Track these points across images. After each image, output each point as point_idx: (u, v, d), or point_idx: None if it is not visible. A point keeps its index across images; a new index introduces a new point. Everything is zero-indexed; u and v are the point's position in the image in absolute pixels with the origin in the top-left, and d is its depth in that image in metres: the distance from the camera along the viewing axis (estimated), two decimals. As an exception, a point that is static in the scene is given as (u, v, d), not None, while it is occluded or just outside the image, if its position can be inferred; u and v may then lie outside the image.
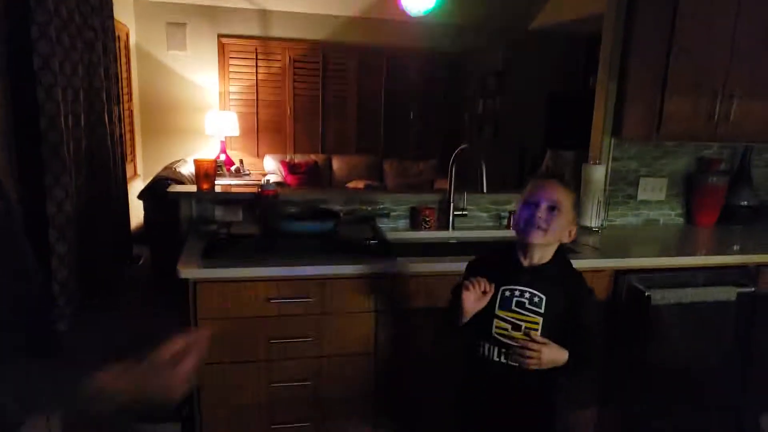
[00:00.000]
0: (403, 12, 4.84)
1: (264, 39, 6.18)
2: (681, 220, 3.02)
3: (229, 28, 6.03)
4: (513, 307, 1.53)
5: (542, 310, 1.51)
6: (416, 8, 1.54)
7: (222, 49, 6.09)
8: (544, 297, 1.52)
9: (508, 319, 1.53)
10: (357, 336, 2.08)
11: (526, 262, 1.56)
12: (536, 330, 1.50)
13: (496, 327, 1.54)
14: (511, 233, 2.65)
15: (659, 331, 2.29)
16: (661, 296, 2.24)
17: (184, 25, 5.87)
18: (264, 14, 6.10)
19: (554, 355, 1.50)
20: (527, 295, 1.53)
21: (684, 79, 2.54)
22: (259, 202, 2.38)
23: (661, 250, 2.58)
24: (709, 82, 2.56)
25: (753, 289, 2.37)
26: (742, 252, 2.46)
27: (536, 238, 1.52)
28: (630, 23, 2.74)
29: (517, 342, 1.51)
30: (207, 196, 2.45)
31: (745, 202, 2.94)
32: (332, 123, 6.66)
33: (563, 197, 1.54)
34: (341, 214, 2.47)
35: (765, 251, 2.46)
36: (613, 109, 2.84)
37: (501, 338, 1.53)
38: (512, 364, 1.52)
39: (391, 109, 6.81)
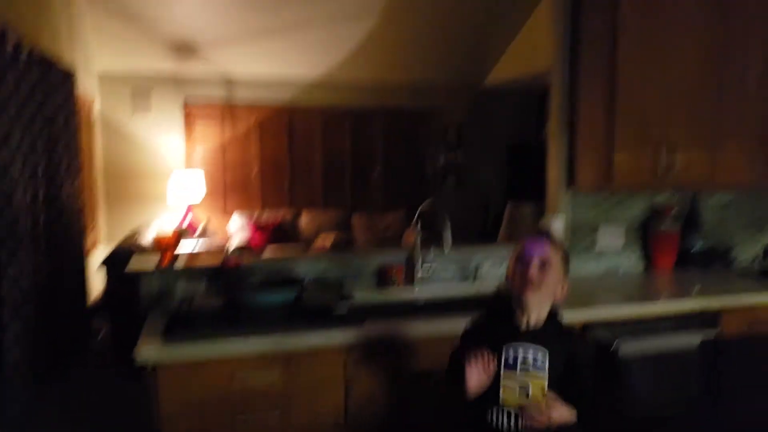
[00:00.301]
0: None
1: (229, 103, 6.28)
2: (641, 266, 3.10)
3: (195, 94, 6.11)
4: (518, 369, 1.54)
5: (546, 368, 1.52)
6: None
7: (187, 114, 6.16)
8: (547, 351, 1.53)
9: (515, 381, 1.53)
10: (327, 407, 2.05)
11: (523, 323, 1.59)
12: (543, 389, 1.51)
13: (504, 392, 1.54)
14: (479, 288, 2.73)
15: (628, 382, 2.31)
16: (628, 347, 2.28)
17: (149, 92, 5.93)
18: (229, 80, 6.21)
19: (564, 413, 1.51)
20: (531, 353, 1.55)
21: (628, 133, 2.67)
22: (222, 274, 2.37)
23: (624, 299, 2.62)
24: (651, 135, 2.69)
25: (715, 333, 2.43)
26: (701, 296, 2.53)
27: (531, 294, 1.55)
28: (575, 79, 2.88)
29: (526, 405, 1.51)
30: (167, 272, 2.42)
31: (699, 246, 3.04)
32: (299, 179, 6.73)
33: (553, 253, 1.59)
34: (306, 280, 2.47)
35: (722, 294, 2.54)
36: (566, 162, 2.95)
37: (510, 403, 1.53)
38: (522, 430, 1.52)
39: (358, 164, 6.92)
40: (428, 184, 7.08)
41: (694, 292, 2.58)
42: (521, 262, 1.59)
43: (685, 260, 3.05)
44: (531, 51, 5.53)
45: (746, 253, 3.22)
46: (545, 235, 1.64)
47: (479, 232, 6.55)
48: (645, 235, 3.07)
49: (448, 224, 2.56)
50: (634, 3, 2.59)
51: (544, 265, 1.57)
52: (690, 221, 3.08)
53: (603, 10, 2.64)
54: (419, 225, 2.70)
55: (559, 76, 2.92)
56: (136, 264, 2.47)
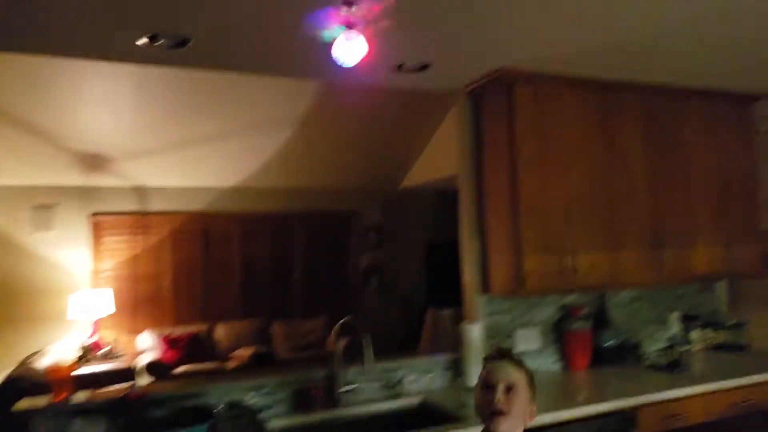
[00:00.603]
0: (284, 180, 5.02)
1: (141, 214, 6.09)
2: (558, 366, 3.16)
3: (104, 206, 5.89)
4: None
5: None
6: (347, 59, 1.63)
7: (95, 227, 5.88)
8: None
9: None
10: None
11: None
12: None
13: None
14: (403, 403, 2.66)
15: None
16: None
17: (52, 206, 5.65)
18: (140, 191, 6.06)
19: None
20: None
21: (534, 237, 2.81)
22: (125, 409, 2.17)
23: (543, 406, 2.62)
24: (555, 239, 2.84)
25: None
26: (617, 396, 2.58)
27: (501, 424, 1.49)
28: (481, 185, 3.05)
29: None
30: (62, 409, 2.19)
31: (610, 343, 3.16)
32: (215, 290, 6.49)
33: (518, 376, 1.54)
34: (220, 408, 2.30)
35: (637, 393, 2.61)
36: (480, 267, 3.04)
37: None
38: None
39: (277, 270, 6.80)
40: (350, 287, 7.03)
41: (610, 392, 2.63)
42: (486, 389, 1.54)
43: (599, 357, 3.14)
44: (444, 154, 5.83)
45: (653, 346, 3.37)
46: (506, 355, 1.60)
47: (404, 334, 6.50)
48: (559, 336, 3.16)
49: (369, 340, 2.52)
50: (527, 124, 2.82)
51: (510, 389, 1.52)
52: (600, 319, 3.21)
53: (502, 124, 2.85)
54: (339, 340, 2.64)
55: (467, 182, 3.08)
56: (25, 401, 2.22)
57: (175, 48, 2.31)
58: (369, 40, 1.92)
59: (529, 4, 2.08)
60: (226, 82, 4.57)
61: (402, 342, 6.21)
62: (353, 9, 1.47)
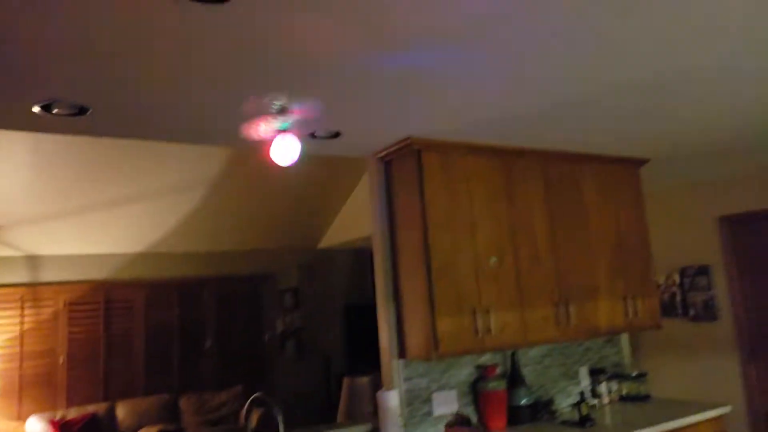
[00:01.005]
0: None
1: (32, 285, 5.61)
2: (478, 427, 3.16)
3: (-13, 279, 5.37)
4: None
5: None
6: (284, 159, 1.62)
7: (-24, 302, 5.33)
8: None
9: None
10: None
11: None
12: None
13: None
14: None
15: None
16: None
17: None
18: (33, 260, 5.61)
19: None
20: None
21: (446, 300, 2.85)
22: None
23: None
24: (466, 301, 2.91)
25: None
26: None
27: None
28: (395, 248, 3.08)
29: None
30: None
31: (525, 401, 3.21)
32: (116, 365, 6.01)
33: None
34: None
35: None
36: (396, 330, 3.03)
37: None
38: None
39: (186, 340, 6.42)
40: (266, 354, 6.76)
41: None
42: None
43: (515, 416, 3.17)
44: (361, 214, 5.88)
45: (565, 401, 3.47)
46: (465, 423, 1.57)
47: (324, 399, 6.30)
48: (476, 397, 3.17)
49: (281, 413, 2.41)
50: (435, 188, 2.91)
51: None
52: (514, 378, 3.27)
53: (412, 188, 2.93)
54: (252, 414, 2.50)
55: (381, 246, 3.11)
56: None
57: (73, 116, 2.21)
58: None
59: (431, 81, 2.18)
60: (132, 145, 4.41)
61: (322, 409, 6.00)
62: (288, 116, 1.51)
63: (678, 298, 4.83)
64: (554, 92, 2.43)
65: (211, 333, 6.57)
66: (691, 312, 4.74)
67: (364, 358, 6.40)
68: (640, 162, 3.78)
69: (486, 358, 3.29)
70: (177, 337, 6.36)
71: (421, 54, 1.94)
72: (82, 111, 2.16)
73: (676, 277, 4.85)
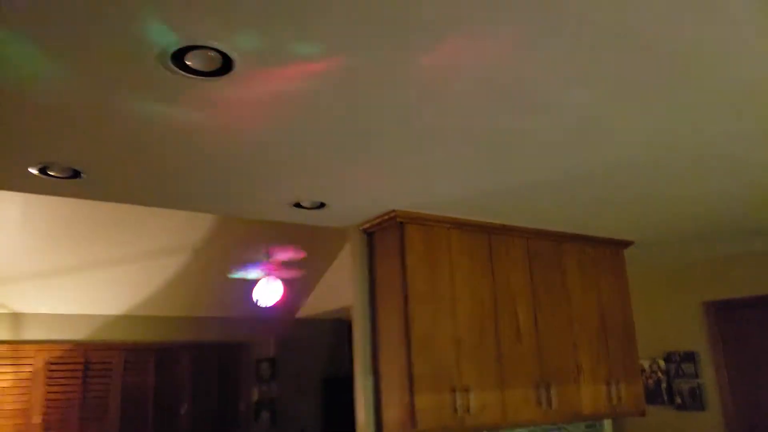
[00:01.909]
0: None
1: (13, 342, 5.54)
2: None
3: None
4: None
5: None
6: (266, 301, 1.66)
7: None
8: None
9: None
10: None
11: None
12: None
13: None
14: None
15: None
16: None
17: None
18: (15, 317, 5.57)
19: None
20: None
21: (426, 376, 2.83)
22: None
23: None
24: (446, 378, 2.88)
25: None
26: None
27: None
28: (375, 321, 3.08)
29: None
30: None
31: (503, 486, 3.11)
32: (90, 426, 5.83)
33: None
34: None
35: None
36: (373, 405, 2.98)
37: None
38: None
39: (161, 405, 6.26)
40: (241, 422, 6.57)
41: None
42: None
43: (492, 502, 3.07)
44: (341, 285, 5.88)
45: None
46: None
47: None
48: (453, 479, 3.08)
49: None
50: (417, 261, 2.96)
51: None
52: (492, 460, 3.18)
53: (394, 261, 2.97)
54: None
55: (360, 318, 3.11)
56: None
57: (67, 179, 2.29)
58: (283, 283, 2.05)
59: (414, 159, 2.28)
60: (118, 208, 4.48)
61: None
62: (272, 259, 1.62)
63: (663, 384, 4.75)
64: (537, 173, 2.51)
65: (187, 399, 6.42)
66: (678, 400, 4.66)
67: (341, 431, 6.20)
68: (625, 244, 3.84)
69: (465, 439, 3.22)
70: (152, 401, 6.21)
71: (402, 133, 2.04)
72: (75, 174, 2.24)
73: (662, 363, 4.79)
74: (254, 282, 1.81)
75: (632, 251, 4.02)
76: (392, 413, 2.90)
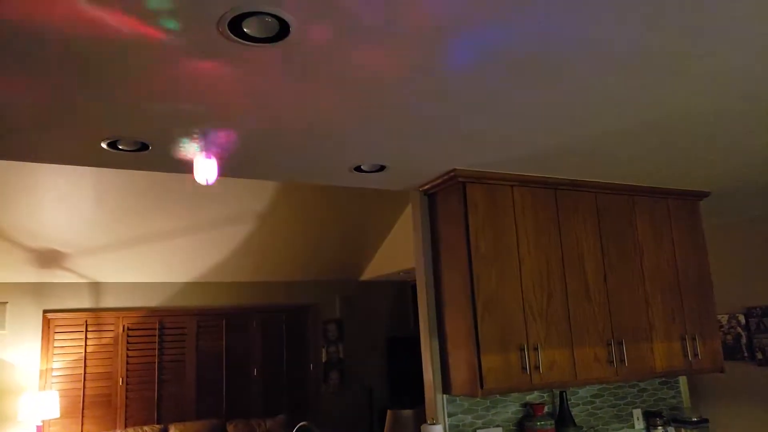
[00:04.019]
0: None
1: (95, 311, 5.89)
2: (523, 469, 3.06)
3: (57, 303, 5.69)
4: None
5: None
6: (203, 179, 1.73)
7: (47, 325, 5.65)
8: None
9: None
10: None
11: None
12: None
13: None
14: None
15: None
16: None
17: (4, 304, 5.44)
18: (95, 286, 5.91)
19: None
20: None
21: (492, 336, 2.81)
22: None
23: None
24: (513, 337, 2.85)
25: None
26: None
27: None
28: (439, 283, 3.07)
29: None
30: None
31: (574, 443, 3.09)
32: (169, 388, 6.18)
33: None
34: None
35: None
36: (440, 366, 3.00)
37: None
38: None
39: (233, 367, 6.56)
40: (310, 384, 6.80)
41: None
42: None
43: (564, 459, 3.06)
44: (404, 247, 5.90)
45: (618, 445, 3.32)
46: None
47: (366, 431, 6.25)
48: (523, 436, 3.08)
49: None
50: (480, 221, 2.90)
51: None
52: (562, 418, 3.16)
53: (456, 221, 2.93)
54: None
55: (424, 280, 3.10)
56: None
57: (136, 152, 2.35)
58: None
59: (475, 112, 2.21)
60: (185, 179, 4.62)
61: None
62: (207, 139, 1.64)
63: (743, 340, 4.56)
64: (605, 123, 2.39)
65: (257, 361, 6.68)
66: (759, 356, 4.46)
67: (407, 390, 6.34)
68: (700, 195, 3.64)
69: (533, 397, 3.20)
70: (225, 364, 6.50)
71: (469, 84, 1.97)
72: (143, 147, 2.30)
73: (741, 318, 4.59)
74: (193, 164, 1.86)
75: (709, 202, 3.81)
76: (459, 373, 2.90)
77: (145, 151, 2.34)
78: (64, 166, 4.00)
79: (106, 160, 2.44)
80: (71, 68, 1.66)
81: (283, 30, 1.51)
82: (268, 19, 1.46)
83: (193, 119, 2.06)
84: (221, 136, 1.99)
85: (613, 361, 3.08)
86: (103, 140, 2.22)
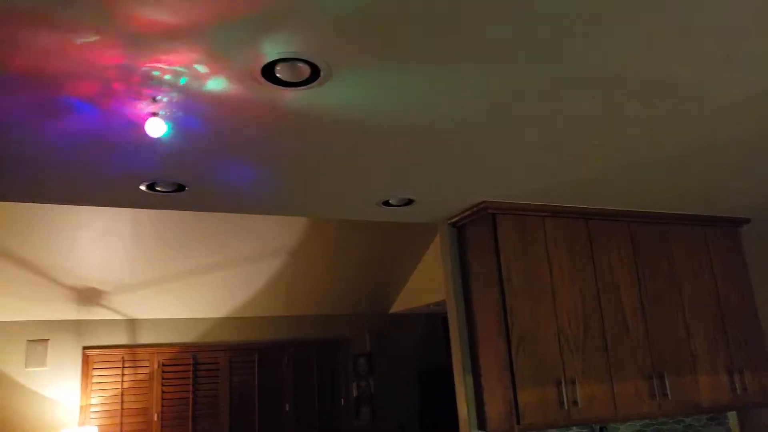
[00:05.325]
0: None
1: (131, 347, 6.00)
2: None
3: (95, 340, 5.81)
4: None
5: None
6: (154, 133, 1.75)
7: (86, 361, 5.76)
8: None
9: None
10: None
11: None
12: None
13: None
14: None
15: None
16: None
17: (46, 341, 5.58)
18: (132, 323, 6.02)
19: None
20: None
21: (528, 370, 2.75)
22: None
23: None
24: (550, 371, 2.78)
25: None
26: None
27: None
28: (471, 316, 3.03)
29: None
30: None
31: (618, 482, 2.97)
32: (203, 424, 6.19)
33: None
34: None
35: None
36: (474, 401, 2.94)
37: None
38: None
39: (266, 402, 6.55)
40: (341, 418, 6.73)
41: None
42: None
43: (607, 499, 2.94)
44: (432, 278, 5.87)
45: (665, 484, 3.18)
46: None
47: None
48: (564, 475, 2.98)
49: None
50: (512, 253, 2.87)
51: None
52: (604, 455, 3.05)
53: (487, 254, 2.91)
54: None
55: (455, 314, 3.07)
56: None
57: (172, 193, 2.42)
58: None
59: (503, 146, 2.21)
60: (218, 217, 4.73)
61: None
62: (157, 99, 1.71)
63: (793, 371, 4.34)
64: (638, 153, 2.37)
65: (289, 396, 6.66)
66: (811, 387, 4.24)
67: (440, 425, 6.21)
68: (740, 222, 3.55)
69: (573, 433, 3.10)
70: (258, 398, 6.50)
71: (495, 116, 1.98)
72: (180, 188, 2.37)
73: (790, 348, 4.38)
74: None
75: (750, 229, 3.70)
76: (495, 408, 2.84)
77: (182, 192, 2.41)
78: (101, 207, 4.13)
79: (145, 201, 2.52)
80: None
81: (314, 73, 1.56)
82: (300, 63, 1.51)
83: (229, 159, 2.12)
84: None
85: (656, 395, 2.97)
86: (142, 183, 2.29)
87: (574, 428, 3.10)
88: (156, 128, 1.74)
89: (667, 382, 3.01)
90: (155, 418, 6.00)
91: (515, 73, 1.65)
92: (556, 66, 1.63)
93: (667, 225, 3.32)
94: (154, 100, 1.66)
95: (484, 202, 2.88)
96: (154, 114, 1.73)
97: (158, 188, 2.36)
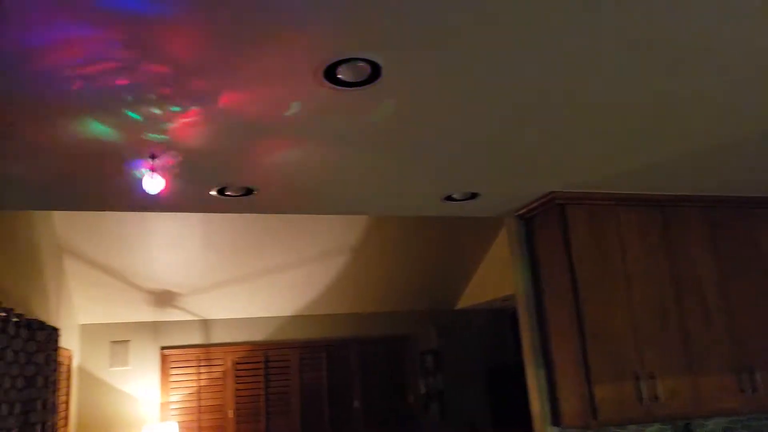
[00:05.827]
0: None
1: (206, 346, 6.24)
2: None
3: (172, 340, 6.09)
4: None
5: None
6: (151, 191, 1.88)
7: (164, 361, 6.05)
8: None
9: None
10: None
11: None
12: None
13: None
14: None
15: None
16: None
17: (127, 342, 5.90)
18: (205, 324, 6.26)
19: None
20: None
21: (604, 365, 2.65)
22: None
23: None
24: (626, 365, 2.68)
25: None
26: None
27: None
28: (541, 309, 2.96)
29: None
30: None
31: (705, 481, 2.83)
32: (276, 420, 6.36)
33: None
34: None
35: None
36: (548, 396, 2.88)
37: None
38: None
39: (336, 398, 6.65)
40: (411, 415, 6.74)
41: None
42: None
43: (694, 498, 2.81)
44: (498, 274, 5.78)
45: (757, 483, 3.00)
46: None
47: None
48: (646, 473, 2.87)
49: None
50: (583, 244, 2.78)
51: None
52: (689, 452, 2.92)
53: (557, 246, 2.83)
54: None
55: (525, 307, 3.00)
56: None
57: (241, 197, 2.49)
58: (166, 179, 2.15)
59: (574, 132, 2.14)
60: (285, 219, 4.84)
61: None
62: (156, 160, 1.83)
63: None
64: (713, 134, 2.24)
65: (358, 393, 6.73)
66: None
67: (512, 422, 6.10)
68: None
69: (654, 430, 2.98)
70: (327, 396, 6.61)
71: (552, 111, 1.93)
72: (248, 192, 2.43)
73: None
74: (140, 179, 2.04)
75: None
76: (570, 404, 2.77)
77: (250, 195, 2.47)
78: (176, 213, 4.31)
79: (215, 205, 2.60)
80: (184, 125, 1.80)
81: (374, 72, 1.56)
82: (360, 63, 1.51)
83: (297, 164, 2.16)
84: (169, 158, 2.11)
85: (745, 389, 2.81)
86: (212, 188, 2.37)
87: (656, 425, 2.97)
88: (153, 185, 1.87)
89: (758, 376, 2.84)
90: (230, 414, 6.22)
91: (588, 55, 1.59)
92: (643, 51, 1.56)
93: (748, 208, 3.12)
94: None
95: (552, 192, 2.80)
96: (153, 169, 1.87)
97: (228, 193, 2.43)
